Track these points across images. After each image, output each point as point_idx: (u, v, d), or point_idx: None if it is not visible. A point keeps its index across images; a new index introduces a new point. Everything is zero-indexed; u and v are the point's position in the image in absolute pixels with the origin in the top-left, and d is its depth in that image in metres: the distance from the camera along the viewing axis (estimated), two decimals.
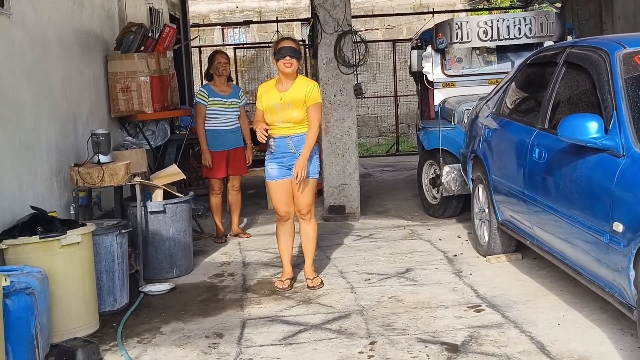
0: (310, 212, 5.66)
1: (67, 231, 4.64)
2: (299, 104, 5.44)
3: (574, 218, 4.35)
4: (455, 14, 18.00)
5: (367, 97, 16.21)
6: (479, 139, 6.30)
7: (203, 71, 8.41)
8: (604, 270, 4.04)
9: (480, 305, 4.99)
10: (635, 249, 3.64)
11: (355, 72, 8.05)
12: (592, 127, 4.05)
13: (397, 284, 5.52)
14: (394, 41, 16.19)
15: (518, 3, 17.55)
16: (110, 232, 5.20)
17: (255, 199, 9.25)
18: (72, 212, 5.72)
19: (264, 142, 5.52)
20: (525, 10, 16.73)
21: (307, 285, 5.59)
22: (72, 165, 5.81)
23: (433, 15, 16.08)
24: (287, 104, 5.44)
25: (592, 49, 4.72)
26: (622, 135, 3.99)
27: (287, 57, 5.41)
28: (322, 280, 5.65)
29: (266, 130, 5.43)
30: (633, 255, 3.66)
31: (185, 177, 6.92)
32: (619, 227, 3.78)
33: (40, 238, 4.51)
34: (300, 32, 20.14)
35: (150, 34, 8.21)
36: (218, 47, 16.60)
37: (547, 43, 8.54)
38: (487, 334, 4.46)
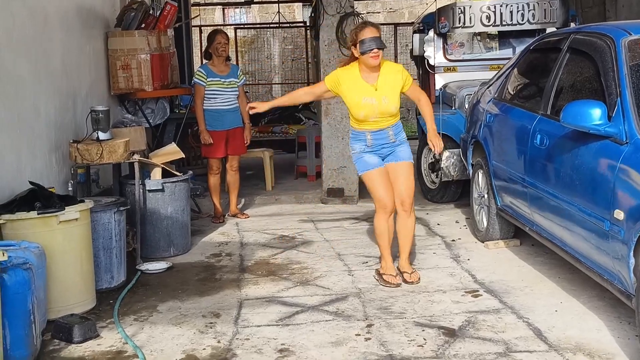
0: (413, 203, 5.29)
1: (66, 207, 4.62)
2: (395, 95, 5.08)
3: (574, 205, 4.33)
4: None
5: None
6: (479, 124, 6.28)
7: (202, 50, 8.35)
8: (604, 257, 4.03)
9: (477, 291, 4.99)
10: (635, 237, 3.63)
11: None
12: (596, 114, 4.03)
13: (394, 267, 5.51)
14: (396, 25, 16.13)
15: None
16: (108, 209, 5.19)
17: (254, 179, 9.23)
18: (70, 188, 5.70)
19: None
20: None
21: (406, 280, 5.16)
22: (71, 141, 5.79)
23: (435, 0, 16.02)
24: (383, 98, 5.04)
25: (597, 35, 4.69)
26: (625, 123, 3.97)
27: (375, 50, 4.94)
28: (420, 276, 5.23)
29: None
30: (633, 244, 3.65)
31: (184, 156, 6.90)
32: (620, 214, 3.77)
33: (38, 213, 4.49)
34: (301, 13, 20.06)
35: (151, 12, 8.14)
36: (218, 27, 16.54)
37: (550, 29, 8.50)
38: (485, 319, 4.46)
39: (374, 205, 7.80)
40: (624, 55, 4.26)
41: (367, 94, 5.03)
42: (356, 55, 5.04)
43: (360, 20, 8.05)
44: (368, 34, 4.96)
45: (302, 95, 5.72)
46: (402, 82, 5.10)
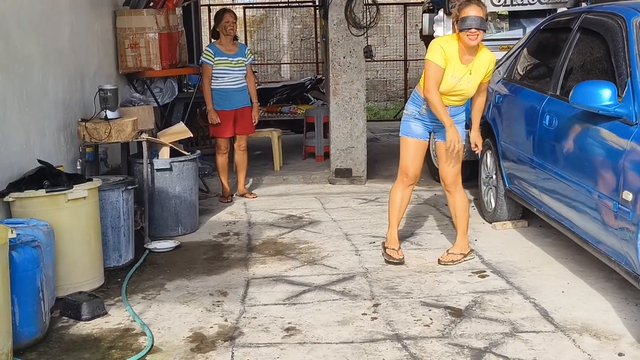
0: (458, 182, 5.20)
1: (74, 186, 4.64)
2: (478, 80, 4.92)
3: (583, 186, 4.32)
4: None
5: (377, 61, 16.09)
6: (488, 104, 6.24)
7: (211, 29, 8.32)
8: (611, 239, 4.02)
9: (484, 271, 4.99)
10: None
11: (365, 34, 7.97)
12: (605, 94, 4.00)
13: (402, 247, 5.50)
14: (406, 4, 16.01)
15: None
16: (116, 188, 5.20)
17: (262, 159, 9.23)
18: (78, 167, 5.70)
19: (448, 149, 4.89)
20: None
21: (440, 260, 5.19)
22: (80, 120, 5.79)
23: None
24: (467, 82, 4.88)
25: (608, 14, 4.65)
26: (635, 103, 3.94)
27: (473, 30, 4.70)
28: (466, 253, 5.21)
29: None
30: None
31: (192, 136, 6.89)
32: (628, 196, 3.75)
33: (47, 192, 4.50)
34: None
35: None
36: (227, 6, 16.47)
37: (561, 9, 8.42)
38: (491, 299, 4.47)
39: (382, 185, 7.85)
40: (635, 35, 4.22)
41: (460, 72, 4.84)
42: (454, 28, 4.85)
43: (368, 0, 8.02)
44: (471, 12, 4.72)
45: (436, 93, 4.89)
46: (487, 73, 4.94)
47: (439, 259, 5.19)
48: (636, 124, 3.88)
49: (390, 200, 5.28)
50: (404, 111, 5.17)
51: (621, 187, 3.84)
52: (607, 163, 4.05)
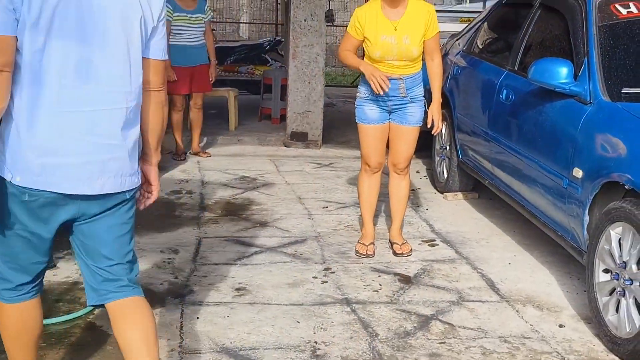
0: (409, 167, 4.78)
1: None
2: (418, 36, 4.36)
3: (535, 161, 4.40)
4: None
5: (336, 26, 16.03)
6: (446, 75, 6.28)
7: None
8: (560, 214, 4.12)
9: (434, 240, 5.07)
10: (592, 196, 3.72)
11: None
12: (562, 72, 4.07)
13: (355, 213, 5.55)
14: None
15: None
16: None
17: (217, 119, 9.16)
18: None
19: (382, 93, 4.33)
20: None
21: (395, 251, 4.74)
22: None
23: None
24: (404, 38, 4.34)
25: None
26: (590, 83, 4.01)
27: None
28: (411, 248, 4.80)
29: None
30: (589, 202, 3.74)
31: None
32: (578, 173, 3.84)
33: None
34: None
35: None
36: None
37: None
38: (440, 268, 4.55)
39: (337, 151, 7.88)
40: (594, 15, 4.29)
41: (386, 31, 4.35)
42: None
43: None
44: None
45: (347, 55, 4.53)
46: (427, 24, 4.38)
47: (395, 252, 4.75)
48: (590, 103, 3.96)
49: (358, 192, 4.87)
50: (357, 94, 4.63)
51: (572, 164, 3.93)
52: (560, 140, 4.13)
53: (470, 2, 9.35)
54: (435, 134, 4.69)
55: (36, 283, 2.64)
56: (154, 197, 2.76)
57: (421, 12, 4.40)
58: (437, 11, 8.60)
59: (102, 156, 2.42)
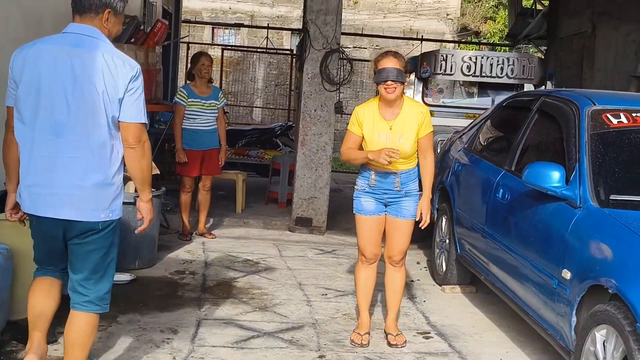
0: (404, 259, 4.93)
1: None
2: (411, 135, 4.61)
3: (528, 260, 4.54)
4: (443, 44, 18.23)
5: (347, 114, 16.38)
6: (448, 171, 6.50)
7: (187, 66, 8.46)
8: (549, 313, 4.23)
9: (429, 332, 5.16)
10: (579, 297, 3.84)
11: (338, 90, 8.22)
12: (555, 176, 4.25)
13: (353, 301, 5.65)
14: None
15: (506, 41, 17.88)
16: None
17: (224, 200, 9.36)
18: None
19: (388, 163, 4.49)
20: (511, 50, 17.09)
21: (389, 342, 4.82)
22: None
23: (421, 42, 16.38)
24: (398, 137, 4.60)
25: (565, 101, 4.94)
26: (581, 188, 4.19)
27: (390, 82, 4.53)
28: (406, 339, 4.87)
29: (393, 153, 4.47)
30: (577, 303, 3.86)
31: (159, 173, 7.01)
32: (567, 274, 3.98)
33: None
34: (290, 41, 20.33)
35: (142, 27, 8.30)
36: (204, 47, 16.72)
37: (528, 85, 8.81)
38: None
39: (340, 238, 8.02)
40: (587, 123, 4.50)
41: (381, 130, 4.63)
42: (374, 82, 4.68)
43: (344, 57, 8.28)
44: (387, 63, 4.56)
45: (350, 151, 4.79)
46: (420, 124, 4.63)
47: (389, 343, 4.82)
48: (580, 207, 4.13)
49: (355, 282, 5.00)
50: (355, 186, 4.85)
51: (562, 265, 4.06)
52: (550, 241, 4.28)
53: (478, 97, 9.63)
54: (422, 227, 4.80)
55: None
56: (143, 226, 3.69)
57: (415, 112, 4.67)
58: (445, 106, 8.98)
59: (66, 191, 3.37)
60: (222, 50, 16.83)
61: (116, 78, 3.38)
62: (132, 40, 7.76)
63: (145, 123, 3.50)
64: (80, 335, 3.54)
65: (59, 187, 3.37)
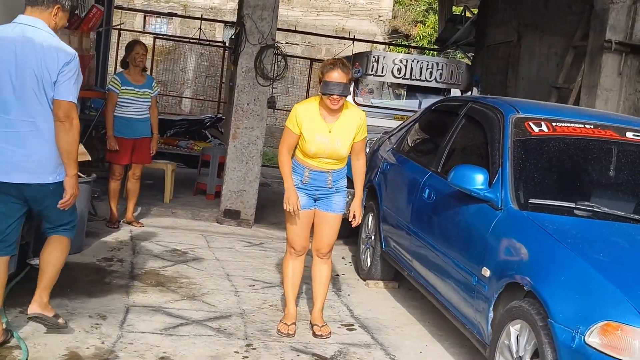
0: (331, 252, 5.13)
1: None
2: (349, 139, 4.81)
3: (450, 258, 4.76)
4: (374, 44, 18.51)
5: (278, 109, 16.50)
6: (376, 170, 6.69)
7: (119, 53, 8.44)
8: (468, 309, 4.46)
9: (353, 325, 5.34)
10: (497, 294, 4.07)
11: (271, 85, 8.32)
12: (478, 179, 4.48)
13: (280, 293, 5.79)
14: (312, 60, 16.61)
15: (434, 45, 18.31)
16: None
17: (153, 190, 9.34)
18: None
19: (291, 212, 4.81)
20: (440, 55, 17.50)
21: (314, 332, 4.97)
22: None
23: (353, 42, 16.62)
24: (336, 140, 4.79)
25: (490, 107, 5.19)
26: (502, 191, 4.43)
27: (335, 96, 4.69)
28: (330, 330, 5.03)
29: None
30: (494, 299, 4.09)
31: (90, 159, 6.97)
32: (486, 272, 4.20)
33: None
34: (222, 33, 20.28)
35: (76, 11, 8.21)
36: (136, 35, 16.55)
37: (455, 90, 9.10)
38: (355, 351, 4.80)
39: (268, 231, 8.13)
40: (510, 130, 4.75)
41: (321, 131, 4.79)
42: (318, 87, 4.84)
43: (279, 53, 8.38)
44: (335, 77, 4.68)
45: (286, 156, 4.90)
46: (357, 130, 4.84)
47: (315, 333, 4.97)
48: (501, 209, 4.36)
49: (283, 273, 5.19)
50: None
51: (482, 263, 4.29)
52: (472, 240, 4.51)
53: (406, 99, 9.87)
54: (354, 226, 5.02)
55: None
56: (65, 198, 4.10)
57: (354, 117, 4.88)
58: (374, 106, 9.16)
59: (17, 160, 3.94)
60: (154, 38, 16.71)
61: (52, 64, 3.93)
62: (67, 25, 7.67)
63: (74, 102, 4.00)
64: (54, 255, 4.30)
65: (9, 156, 3.93)
